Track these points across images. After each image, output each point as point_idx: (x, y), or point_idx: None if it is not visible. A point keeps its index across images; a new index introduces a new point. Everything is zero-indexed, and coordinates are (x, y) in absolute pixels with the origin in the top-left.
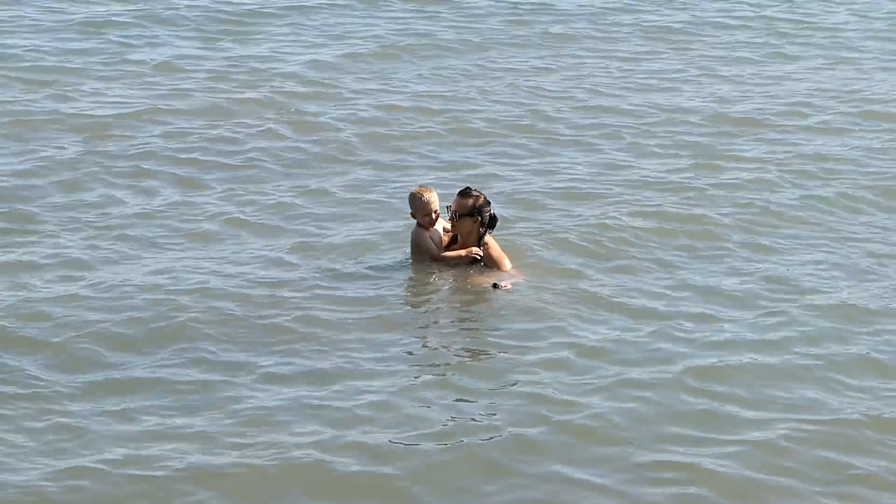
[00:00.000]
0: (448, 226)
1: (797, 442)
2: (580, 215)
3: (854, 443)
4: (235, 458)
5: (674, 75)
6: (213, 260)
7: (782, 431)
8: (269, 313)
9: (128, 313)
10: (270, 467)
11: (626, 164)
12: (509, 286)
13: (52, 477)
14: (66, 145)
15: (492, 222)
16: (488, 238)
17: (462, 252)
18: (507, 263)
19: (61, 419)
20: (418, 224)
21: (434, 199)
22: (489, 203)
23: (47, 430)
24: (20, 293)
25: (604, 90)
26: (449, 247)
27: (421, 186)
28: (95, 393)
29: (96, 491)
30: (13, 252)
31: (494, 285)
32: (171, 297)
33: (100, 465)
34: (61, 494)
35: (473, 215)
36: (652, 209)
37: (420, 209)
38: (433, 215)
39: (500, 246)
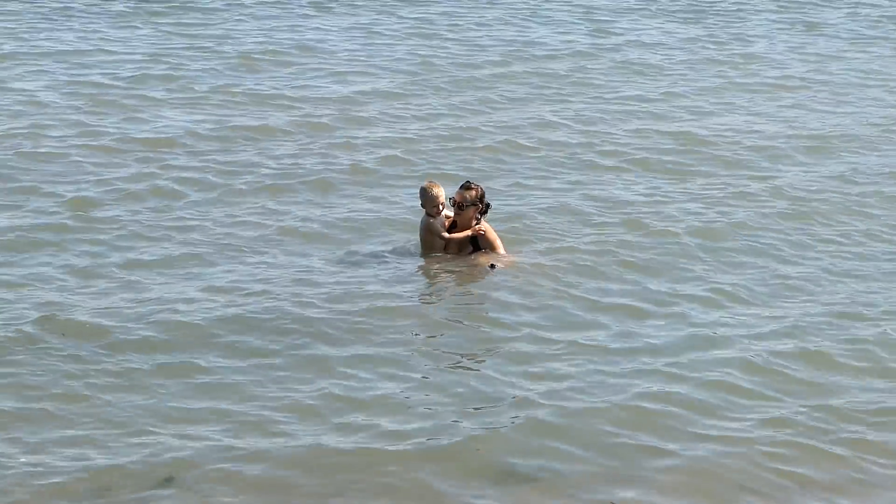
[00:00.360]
0: (451, 214)
1: (775, 423)
2: (573, 220)
3: (811, 426)
4: (269, 439)
5: (646, 105)
6: (249, 262)
7: (758, 417)
8: (295, 311)
9: (175, 308)
10: (293, 449)
11: (609, 180)
12: (504, 267)
13: (103, 449)
14: (131, 162)
15: (486, 209)
16: (484, 223)
17: (467, 231)
18: (500, 245)
19: (111, 398)
20: (427, 213)
21: (442, 193)
22: (485, 193)
23: (100, 407)
24: (93, 299)
25: (590, 116)
26: (450, 232)
27: (430, 182)
28: (143, 379)
29: (145, 460)
30: (87, 255)
31: (492, 266)
32: (211, 295)
33: (150, 440)
34: (104, 462)
35: (476, 204)
36: (633, 219)
37: (430, 201)
38: (440, 206)
39: (494, 230)
